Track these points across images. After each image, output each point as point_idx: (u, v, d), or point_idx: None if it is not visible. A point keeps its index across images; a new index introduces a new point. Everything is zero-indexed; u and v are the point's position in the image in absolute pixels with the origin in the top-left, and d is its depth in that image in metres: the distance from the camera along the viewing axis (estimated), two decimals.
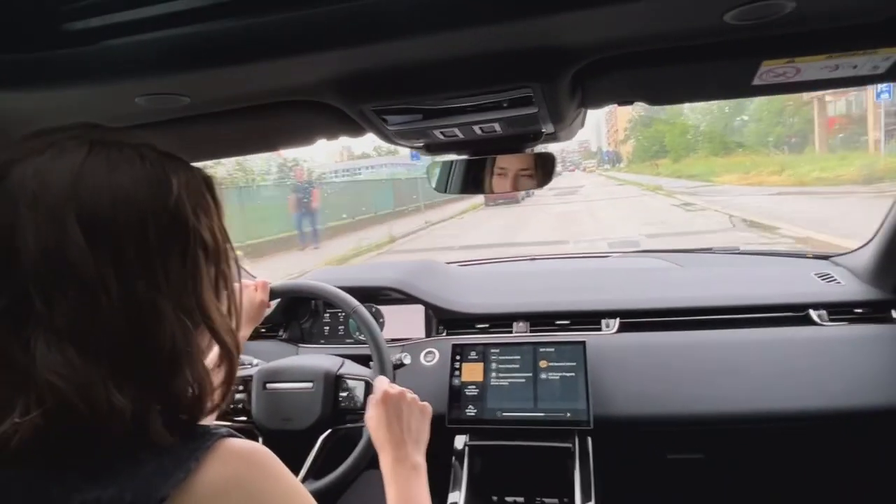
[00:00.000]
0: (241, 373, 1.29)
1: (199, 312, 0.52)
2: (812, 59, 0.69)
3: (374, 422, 0.93)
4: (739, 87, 0.78)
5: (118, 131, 0.54)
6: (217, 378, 0.55)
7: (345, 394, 1.23)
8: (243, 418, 1.26)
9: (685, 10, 0.57)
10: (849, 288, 1.43)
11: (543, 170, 1.11)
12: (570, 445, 1.28)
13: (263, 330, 1.69)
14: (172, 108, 0.76)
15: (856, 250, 1.53)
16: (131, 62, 0.64)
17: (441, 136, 0.92)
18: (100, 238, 0.46)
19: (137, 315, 0.48)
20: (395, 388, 0.96)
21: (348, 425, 1.18)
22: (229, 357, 0.56)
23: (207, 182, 0.57)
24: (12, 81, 0.64)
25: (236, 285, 0.59)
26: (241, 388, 1.27)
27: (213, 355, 0.56)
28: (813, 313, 1.40)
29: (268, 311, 1.61)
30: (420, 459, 0.89)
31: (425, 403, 0.98)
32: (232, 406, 1.26)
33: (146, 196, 0.49)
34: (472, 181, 1.13)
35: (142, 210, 0.48)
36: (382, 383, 0.98)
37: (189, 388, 0.51)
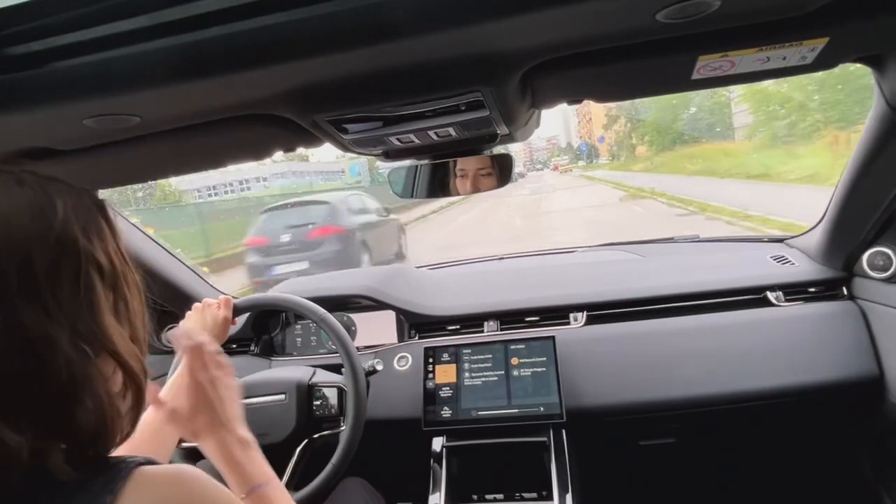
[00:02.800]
0: None
1: (98, 339, 0.49)
2: (744, 52, 0.72)
3: (185, 410, 0.78)
4: (680, 81, 0.82)
5: None
6: (125, 405, 0.53)
7: (318, 402, 1.23)
8: None
9: (619, 12, 0.60)
10: (802, 268, 1.49)
11: (501, 170, 1.13)
12: (546, 439, 1.30)
13: (234, 346, 1.68)
14: (123, 128, 0.75)
15: (807, 232, 1.59)
16: (77, 85, 0.64)
17: (398, 143, 0.93)
18: None
19: (26, 346, 0.45)
20: (197, 358, 0.80)
21: (325, 433, 1.18)
22: (135, 382, 0.53)
23: (99, 205, 0.55)
24: None
25: (137, 307, 0.56)
26: None
27: (119, 382, 0.53)
28: (770, 295, 1.45)
29: (235, 329, 1.60)
30: (247, 434, 0.78)
31: (225, 361, 0.84)
32: None
33: (28, 221, 0.47)
34: (438, 185, 1.14)
35: (24, 236, 0.46)
36: (184, 361, 0.82)
37: (92, 420, 0.48)
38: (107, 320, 0.50)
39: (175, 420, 0.79)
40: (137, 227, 1.39)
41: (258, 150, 0.96)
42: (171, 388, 1.02)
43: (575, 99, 0.88)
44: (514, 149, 1.16)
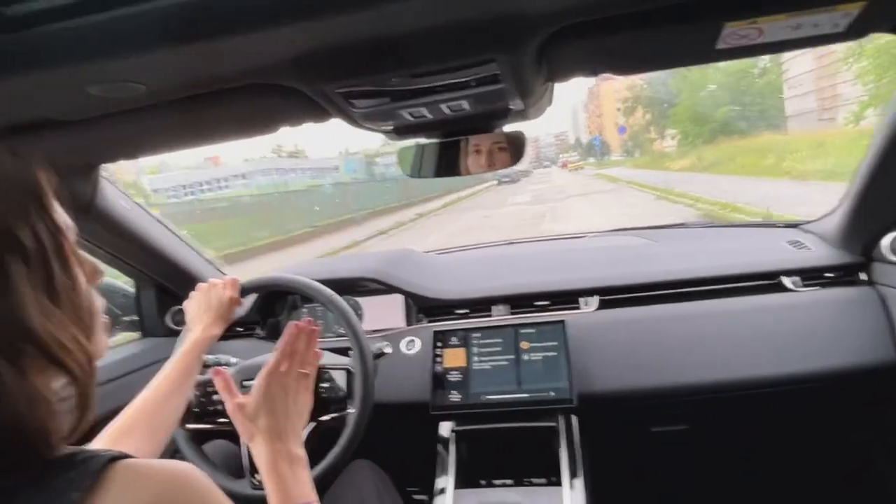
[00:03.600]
0: None
1: (18, 332, 0.43)
2: (773, 18, 0.69)
3: (251, 409, 0.81)
4: (704, 51, 0.78)
5: None
6: (66, 404, 0.46)
7: (326, 384, 1.21)
8: (225, 420, 1.24)
9: None
10: (819, 253, 1.46)
11: (515, 148, 1.10)
12: (555, 424, 1.28)
13: (240, 329, 1.66)
14: (129, 97, 0.73)
15: (823, 217, 1.56)
16: (79, 47, 0.61)
17: (409, 118, 0.91)
18: None
19: None
20: (285, 363, 0.85)
21: (333, 415, 1.17)
22: (72, 374, 0.46)
23: (22, 169, 0.48)
24: None
25: (81, 287, 0.50)
26: None
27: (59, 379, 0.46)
28: (786, 279, 1.42)
29: (242, 311, 1.59)
30: (299, 451, 0.79)
31: (307, 372, 0.87)
32: (211, 408, 1.24)
33: None
34: (446, 164, 1.11)
35: None
36: (276, 359, 0.86)
37: (15, 421, 0.42)
38: (30, 310, 0.43)
39: (237, 415, 0.82)
40: (140, 206, 1.37)
41: (266, 123, 0.93)
42: (170, 371, 1.02)
43: (592, 70, 0.85)
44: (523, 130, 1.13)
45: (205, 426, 1.24)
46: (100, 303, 0.54)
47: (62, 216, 0.50)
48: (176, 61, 0.67)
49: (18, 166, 0.47)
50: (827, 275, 1.42)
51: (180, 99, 0.80)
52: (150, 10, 0.56)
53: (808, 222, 1.63)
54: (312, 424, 1.16)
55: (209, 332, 1.13)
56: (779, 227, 1.72)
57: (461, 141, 1.10)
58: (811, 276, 1.42)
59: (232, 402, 0.83)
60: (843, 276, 1.41)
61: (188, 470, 0.46)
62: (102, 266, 0.56)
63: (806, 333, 1.32)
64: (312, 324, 0.90)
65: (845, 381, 1.30)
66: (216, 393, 1.23)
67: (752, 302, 1.40)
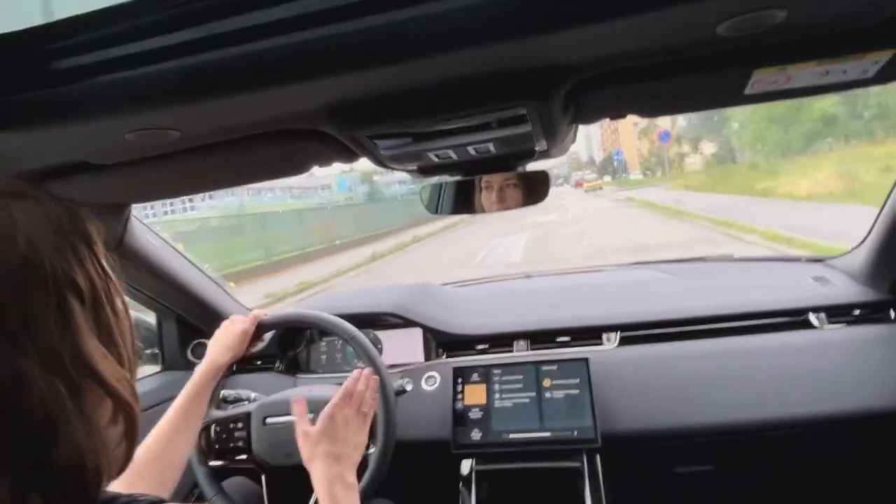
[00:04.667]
0: (239, 410, 1.27)
1: (80, 368, 0.45)
2: (803, 65, 0.69)
3: (315, 434, 0.94)
4: (731, 96, 0.79)
5: None
6: (116, 434, 0.49)
7: None
8: (244, 457, 1.23)
9: (678, 24, 0.57)
10: (845, 290, 1.44)
11: (538, 188, 1.11)
12: (579, 465, 1.25)
13: (259, 363, 1.66)
14: (164, 142, 0.75)
15: (849, 252, 1.54)
16: (120, 99, 0.63)
17: (435, 159, 0.92)
18: None
19: None
20: (346, 404, 0.98)
21: None
22: (125, 409, 0.49)
23: (74, 219, 0.50)
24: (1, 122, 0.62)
25: (125, 327, 0.52)
26: (240, 425, 1.24)
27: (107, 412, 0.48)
28: (812, 317, 1.40)
29: (262, 346, 1.59)
30: (353, 479, 0.91)
31: (366, 412, 1.01)
32: (232, 445, 1.23)
33: None
34: (463, 201, 1.13)
35: None
36: (338, 398, 0.99)
37: (74, 460, 0.44)
38: (89, 346, 0.46)
39: (303, 440, 0.95)
40: (167, 242, 1.39)
41: (296, 165, 0.95)
42: (180, 403, 1.05)
43: (619, 113, 0.86)
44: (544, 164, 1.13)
45: (225, 463, 1.23)
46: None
47: (109, 261, 0.52)
48: (211, 111, 0.69)
49: (72, 215, 0.50)
50: (854, 312, 1.39)
51: (213, 143, 0.81)
52: (190, 63, 0.58)
53: (833, 257, 1.61)
54: None
55: (217, 362, 1.14)
56: (803, 261, 1.71)
57: (475, 179, 1.11)
58: (837, 313, 1.40)
59: (301, 428, 0.96)
60: (870, 313, 1.38)
61: None
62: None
63: (833, 372, 1.30)
64: (372, 374, 1.06)
65: (874, 423, 1.27)
66: (237, 430, 1.23)
67: (777, 339, 1.38)
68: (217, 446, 1.24)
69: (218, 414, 1.27)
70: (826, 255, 1.65)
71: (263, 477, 1.24)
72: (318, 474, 0.88)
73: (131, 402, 0.49)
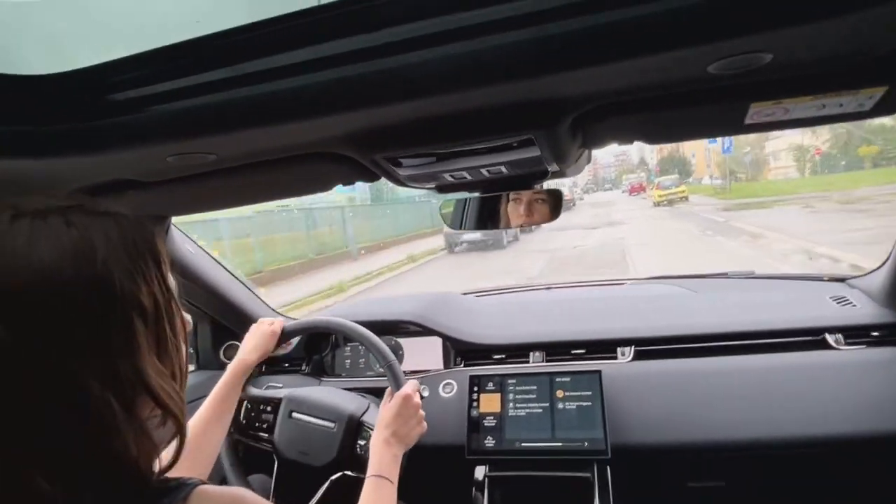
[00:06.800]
0: (272, 393, 1.36)
1: (137, 383, 0.50)
2: (799, 100, 0.72)
3: (388, 408, 1.12)
4: (732, 126, 0.82)
5: (47, 194, 0.52)
6: (165, 438, 0.54)
7: (363, 442, 1.25)
8: (265, 435, 1.31)
9: (671, 65, 0.62)
10: (865, 311, 1.43)
11: (553, 204, 1.14)
12: (589, 475, 1.28)
13: (286, 365, 1.74)
14: (201, 164, 0.82)
15: (871, 272, 1.53)
16: (163, 127, 0.71)
17: (450, 179, 0.97)
18: (16, 316, 0.44)
19: (58, 392, 0.45)
20: (417, 398, 1.16)
21: (360, 475, 1.21)
22: (174, 418, 0.53)
23: (148, 239, 0.54)
24: (61, 149, 0.70)
25: (180, 342, 0.57)
26: (269, 408, 1.32)
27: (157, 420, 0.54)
28: (829, 337, 1.40)
29: (288, 350, 1.67)
30: (400, 453, 1.08)
31: (424, 423, 1.17)
32: (257, 425, 1.31)
33: (69, 268, 0.47)
34: (488, 216, 1.16)
35: (64, 284, 0.46)
36: (411, 387, 1.17)
37: (127, 460, 0.49)
38: (146, 362, 0.51)
39: (383, 411, 1.13)
40: (203, 249, 1.48)
41: (320, 184, 1.02)
42: (211, 399, 1.15)
43: (626, 139, 0.90)
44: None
45: (246, 440, 1.31)
46: None
47: (171, 278, 0.58)
48: (244, 138, 0.76)
49: (145, 234, 0.54)
50: (873, 333, 1.39)
51: (244, 164, 0.89)
52: (226, 98, 0.65)
53: (855, 277, 1.60)
54: (339, 474, 1.22)
55: (246, 361, 1.23)
56: (824, 280, 1.70)
57: (502, 196, 1.15)
58: (856, 334, 1.39)
59: (383, 402, 1.18)
60: (888, 335, 1.38)
61: (247, 494, 0.56)
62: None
63: (849, 393, 1.30)
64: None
65: (891, 445, 1.26)
66: (265, 412, 1.32)
67: (794, 359, 1.38)
68: (244, 422, 1.32)
69: (253, 391, 1.36)
70: (848, 275, 1.64)
71: (276, 463, 1.31)
72: (379, 441, 1.06)
73: (179, 413, 0.54)
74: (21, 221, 0.47)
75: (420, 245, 16.24)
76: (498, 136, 0.78)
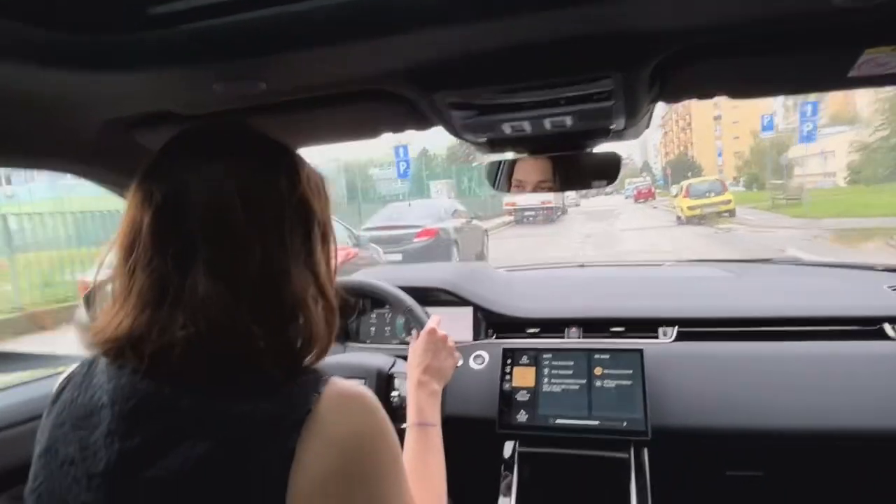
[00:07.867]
0: None
1: (313, 272, 0.64)
2: None
3: (415, 348, 1.11)
4: (832, 78, 0.75)
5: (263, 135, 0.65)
6: (324, 324, 0.65)
7: (395, 393, 1.22)
8: None
9: None
10: None
11: (607, 170, 1.09)
12: (626, 456, 1.23)
13: None
14: (248, 94, 0.76)
15: None
16: (210, 46, 0.64)
17: (508, 130, 0.90)
18: (253, 210, 0.58)
19: (271, 270, 0.59)
20: (442, 331, 1.14)
21: (403, 425, 1.17)
22: (331, 305, 0.65)
23: (323, 180, 0.69)
24: (96, 63, 0.65)
25: (332, 252, 0.69)
26: None
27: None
28: (888, 327, 1.32)
29: None
30: (438, 388, 1.06)
31: (457, 352, 1.17)
32: None
33: (285, 186, 0.62)
34: (539, 179, 1.16)
35: (281, 196, 0.61)
36: (434, 322, 1.16)
37: (302, 334, 0.62)
38: (319, 259, 0.65)
39: (412, 353, 1.11)
40: None
41: (369, 129, 0.96)
42: None
43: (706, 92, 0.83)
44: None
45: None
46: None
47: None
48: (295, 63, 0.70)
49: (318, 173, 0.68)
50: None
51: (292, 100, 0.82)
52: (276, 13, 0.58)
53: None
54: None
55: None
56: (878, 269, 1.61)
57: (552, 159, 1.10)
58: None
59: (412, 344, 1.14)
60: None
61: (368, 392, 0.62)
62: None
63: None
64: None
65: None
66: None
67: (847, 348, 1.31)
68: None
69: None
70: None
71: None
72: (413, 382, 1.05)
73: (334, 301, 0.66)
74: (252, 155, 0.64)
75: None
76: (574, 76, 0.71)
